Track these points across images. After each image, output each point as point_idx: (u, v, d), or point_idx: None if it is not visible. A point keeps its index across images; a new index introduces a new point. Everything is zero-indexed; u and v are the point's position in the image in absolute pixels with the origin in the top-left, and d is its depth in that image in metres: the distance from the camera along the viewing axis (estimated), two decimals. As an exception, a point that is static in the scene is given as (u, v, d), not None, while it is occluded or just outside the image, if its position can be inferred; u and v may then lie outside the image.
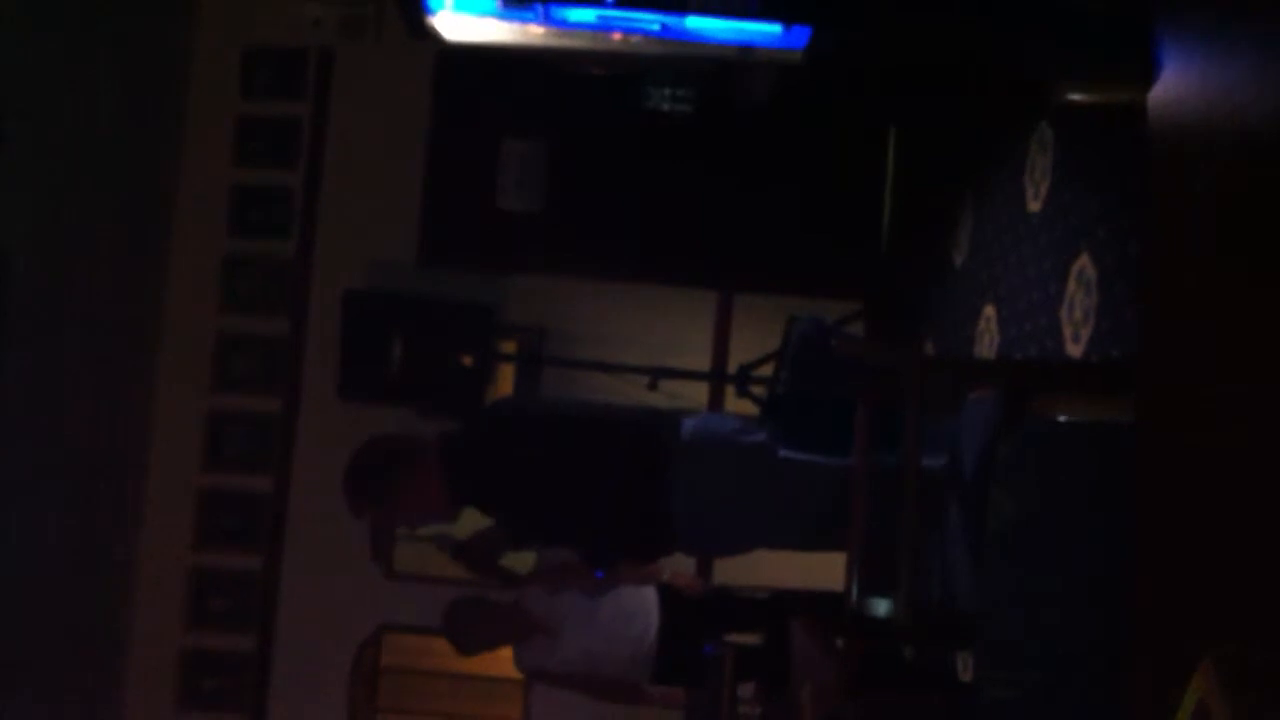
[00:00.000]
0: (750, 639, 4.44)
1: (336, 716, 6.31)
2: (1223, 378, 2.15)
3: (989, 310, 4.17)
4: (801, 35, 3.45)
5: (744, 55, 3.48)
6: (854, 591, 5.10)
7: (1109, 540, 2.79)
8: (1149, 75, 2.63)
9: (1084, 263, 3.41)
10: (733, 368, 5.82)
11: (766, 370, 4.93)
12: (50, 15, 5.26)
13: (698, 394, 5.69)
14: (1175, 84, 2.52)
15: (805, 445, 3.72)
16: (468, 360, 5.65)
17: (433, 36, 4.05)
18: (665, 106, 5.13)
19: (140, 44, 6.08)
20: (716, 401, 5.89)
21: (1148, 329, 2.70)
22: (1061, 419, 3.16)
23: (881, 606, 4.59)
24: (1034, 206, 3.91)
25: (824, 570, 5.21)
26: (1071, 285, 3.50)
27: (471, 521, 4.06)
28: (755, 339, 5.36)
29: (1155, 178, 2.55)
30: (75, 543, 5.81)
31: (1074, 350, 3.38)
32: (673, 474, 3.57)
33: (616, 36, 3.58)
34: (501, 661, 4.90)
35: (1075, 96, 3.25)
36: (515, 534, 4.07)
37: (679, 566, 4.95)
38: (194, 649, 6.38)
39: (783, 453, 3.65)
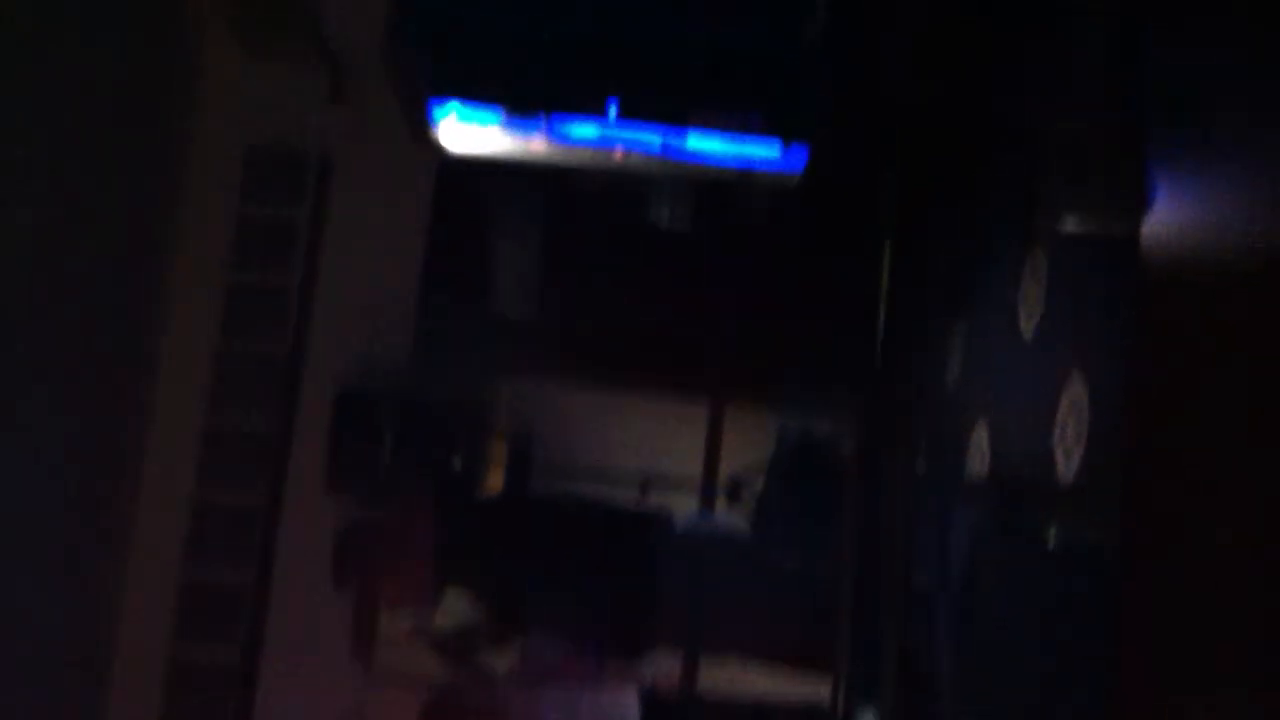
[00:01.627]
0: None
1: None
2: (1212, 507, 2.19)
3: (981, 431, 4.20)
4: (800, 157, 3.53)
5: (743, 177, 3.55)
6: (839, 701, 5.10)
7: (1087, 660, 2.81)
8: (1142, 206, 2.69)
9: (1076, 387, 3.45)
10: (724, 474, 5.85)
11: (757, 478, 4.96)
12: (49, 109, 5.32)
13: (688, 502, 5.70)
14: (1167, 215, 2.58)
15: (793, 553, 3.74)
16: (458, 461, 5.67)
17: (435, 146, 4.13)
18: (663, 225, 5.21)
19: (136, 139, 6.14)
20: (707, 509, 5.90)
21: (1137, 454, 2.73)
22: (1050, 538, 3.19)
23: (868, 717, 4.59)
24: (1026, 329, 3.95)
25: (807, 684, 5.22)
26: (1063, 409, 3.53)
27: (452, 616, 4.06)
28: (748, 449, 5.39)
29: (1148, 309, 2.60)
30: (52, 638, 5.76)
31: (1064, 473, 3.41)
32: (663, 567, 3.59)
33: (618, 154, 3.66)
34: (482, 766, 4.86)
35: (1070, 229, 3.32)
36: (500, 620, 4.07)
37: (661, 670, 4.93)
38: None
39: (771, 556, 3.68)
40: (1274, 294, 1.96)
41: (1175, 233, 2.42)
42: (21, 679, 5.45)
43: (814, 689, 5.04)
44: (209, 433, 6.49)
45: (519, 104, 3.82)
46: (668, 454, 6.03)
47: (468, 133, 3.98)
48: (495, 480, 6.24)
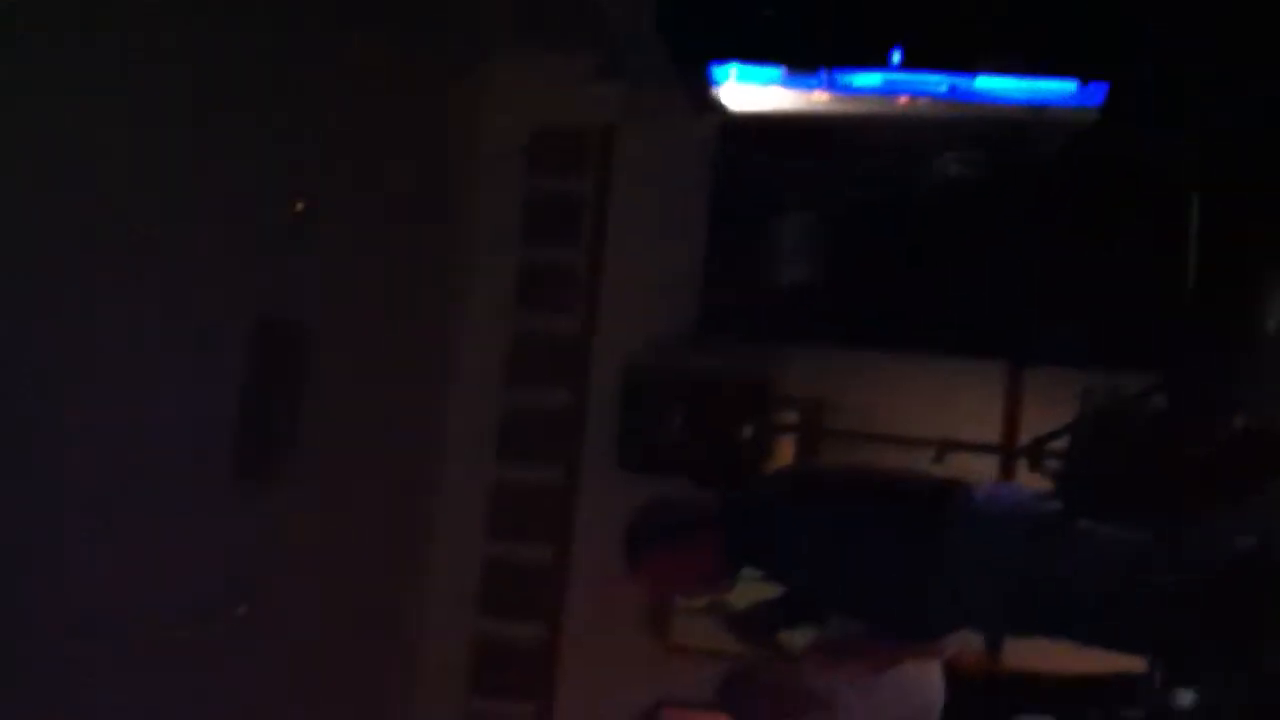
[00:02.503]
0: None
1: (615, 791, 6.31)
2: None
3: (1308, 380, 3.90)
4: (1098, 92, 3.33)
5: (1035, 115, 3.37)
6: (1156, 679, 4.82)
7: None
8: None
9: None
10: (1024, 442, 5.62)
11: (1061, 444, 4.73)
12: (345, 99, 5.50)
13: (987, 469, 5.51)
14: None
15: (1103, 519, 3.53)
16: (748, 432, 5.62)
17: (717, 108, 4.08)
18: (952, 170, 5.02)
19: (431, 123, 6.31)
20: (1007, 477, 5.69)
21: None
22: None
23: (1186, 697, 4.32)
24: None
25: (1121, 657, 4.96)
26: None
27: (749, 593, 4.00)
28: (1049, 412, 5.15)
29: None
30: (363, 612, 5.97)
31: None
32: (961, 542, 3.43)
33: (903, 100, 3.52)
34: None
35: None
36: (800, 602, 3.98)
37: (966, 645, 4.77)
38: (478, 713, 6.47)
39: (1080, 523, 3.46)
40: None
41: None
42: (336, 651, 5.67)
43: (1130, 662, 4.80)
44: (506, 412, 6.64)
45: (799, 60, 3.74)
46: (964, 419, 5.84)
47: (749, 92, 3.91)
48: (785, 451, 6.17)
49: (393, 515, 6.23)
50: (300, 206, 4.93)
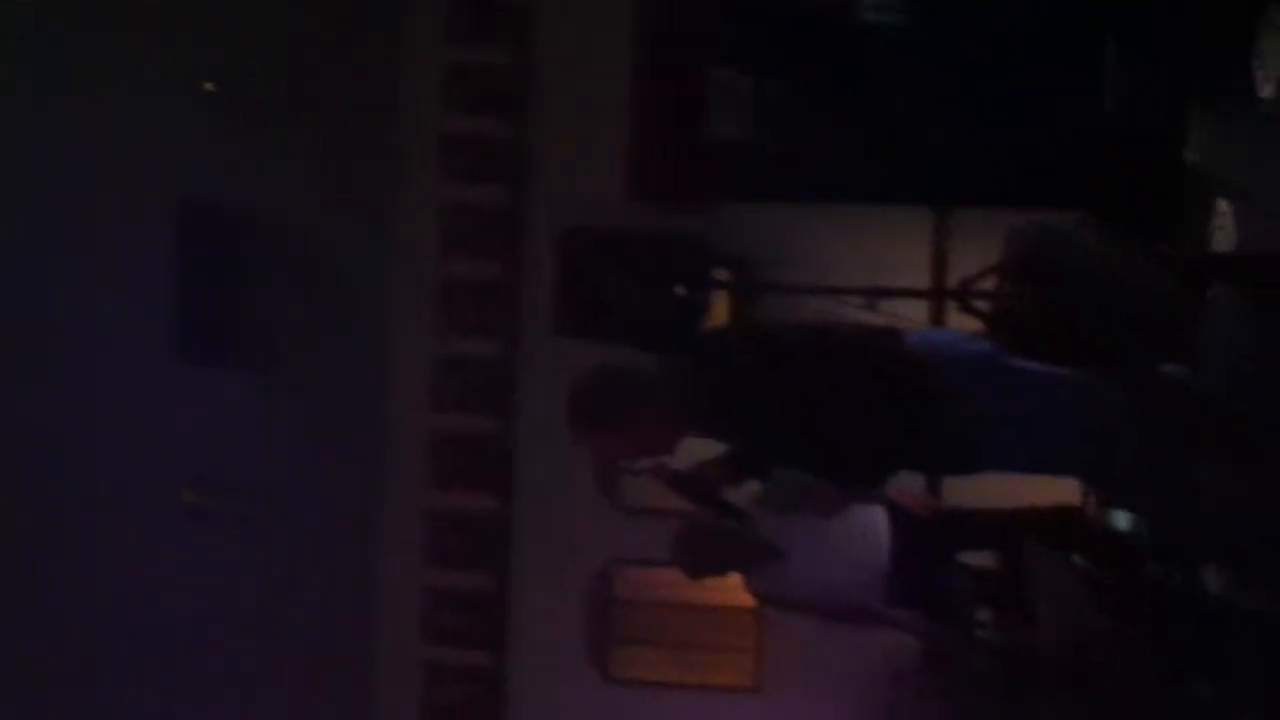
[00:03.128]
0: (984, 561, 4.35)
1: (575, 650, 6.44)
2: None
3: (1224, 206, 3.97)
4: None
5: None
6: (1090, 506, 4.96)
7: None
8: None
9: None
10: (953, 285, 5.68)
11: (989, 284, 4.79)
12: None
13: (917, 314, 5.56)
14: None
15: (1036, 356, 3.59)
16: (682, 290, 5.65)
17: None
18: (875, 18, 5.00)
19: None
20: (938, 321, 5.76)
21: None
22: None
23: (1122, 520, 4.45)
24: (1267, 91, 3.70)
25: (1057, 486, 5.09)
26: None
27: (691, 453, 4.05)
28: (975, 256, 5.21)
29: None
30: (316, 493, 6.02)
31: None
32: (901, 388, 3.47)
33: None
34: (734, 590, 4.90)
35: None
36: (745, 459, 4.02)
37: (906, 486, 4.87)
38: (436, 588, 6.57)
39: (1013, 362, 3.51)
40: None
41: None
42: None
43: (1066, 491, 4.93)
44: (442, 285, 6.63)
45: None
46: (894, 266, 5.89)
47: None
48: (721, 307, 6.21)
49: (339, 397, 6.24)
50: (210, 86, 4.85)
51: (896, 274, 5.72)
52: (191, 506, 5.17)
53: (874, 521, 4.60)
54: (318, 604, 6.03)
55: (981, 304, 4.94)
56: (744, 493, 4.74)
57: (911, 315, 5.28)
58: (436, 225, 6.58)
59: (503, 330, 6.56)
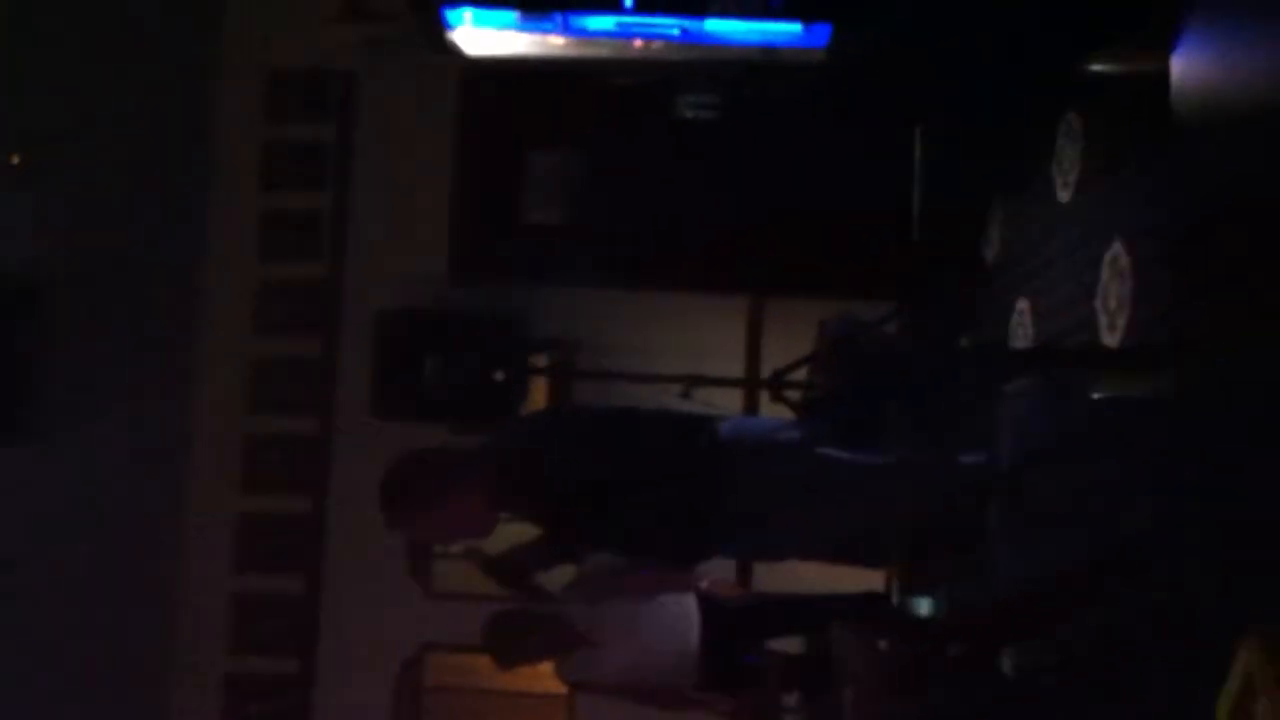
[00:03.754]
0: (792, 646, 4.40)
1: (384, 737, 6.32)
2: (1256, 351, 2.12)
3: (1023, 304, 4.13)
4: (822, 33, 3.44)
5: (766, 56, 3.47)
6: (896, 591, 5.07)
7: (1148, 515, 2.75)
8: (1170, 41, 2.59)
9: (1117, 250, 3.37)
10: (766, 374, 5.79)
11: (801, 374, 4.90)
12: (72, 43, 5.30)
13: (732, 402, 5.65)
14: (1198, 49, 2.46)
15: (842, 444, 3.67)
16: (501, 375, 5.65)
17: (454, 52, 4.05)
18: (690, 114, 5.11)
19: (166, 71, 6.11)
20: (751, 408, 5.85)
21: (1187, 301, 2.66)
22: (1097, 396, 3.11)
23: (924, 605, 4.55)
24: (1064, 196, 3.87)
25: (863, 576, 5.20)
26: (1105, 273, 3.46)
27: (504, 538, 4.03)
28: (788, 344, 5.32)
29: (1184, 145, 2.49)
30: (115, 571, 5.83)
31: (1110, 339, 3.35)
32: (711, 474, 3.53)
33: (637, 44, 3.57)
34: (546, 676, 4.87)
35: (1098, 67, 3.21)
36: (560, 542, 4.02)
37: (718, 574, 4.92)
38: (238, 673, 6.39)
39: (820, 450, 3.60)
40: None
41: (1207, 69, 2.33)
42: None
43: (868, 582, 5.03)
44: (258, 360, 6.52)
45: (532, 3, 3.74)
46: (709, 353, 5.97)
47: (485, 36, 3.90)
48: (539, 392, 6.22)
49: (144, 473, 6.08)
50: (15, 159, 4.73)
51: (713, 362, 5.82)
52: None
53: (686, 608, 4.64)
54: (112, 696, 5.82)
55: (793, 393, 5.05)
56: (556, 578, 4.73)
57: (726, 404, 5.38)
58: (253, 301, 6.49)
59: (317, 409, 6.47)
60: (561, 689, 5.25)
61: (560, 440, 3.66)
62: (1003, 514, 3.52)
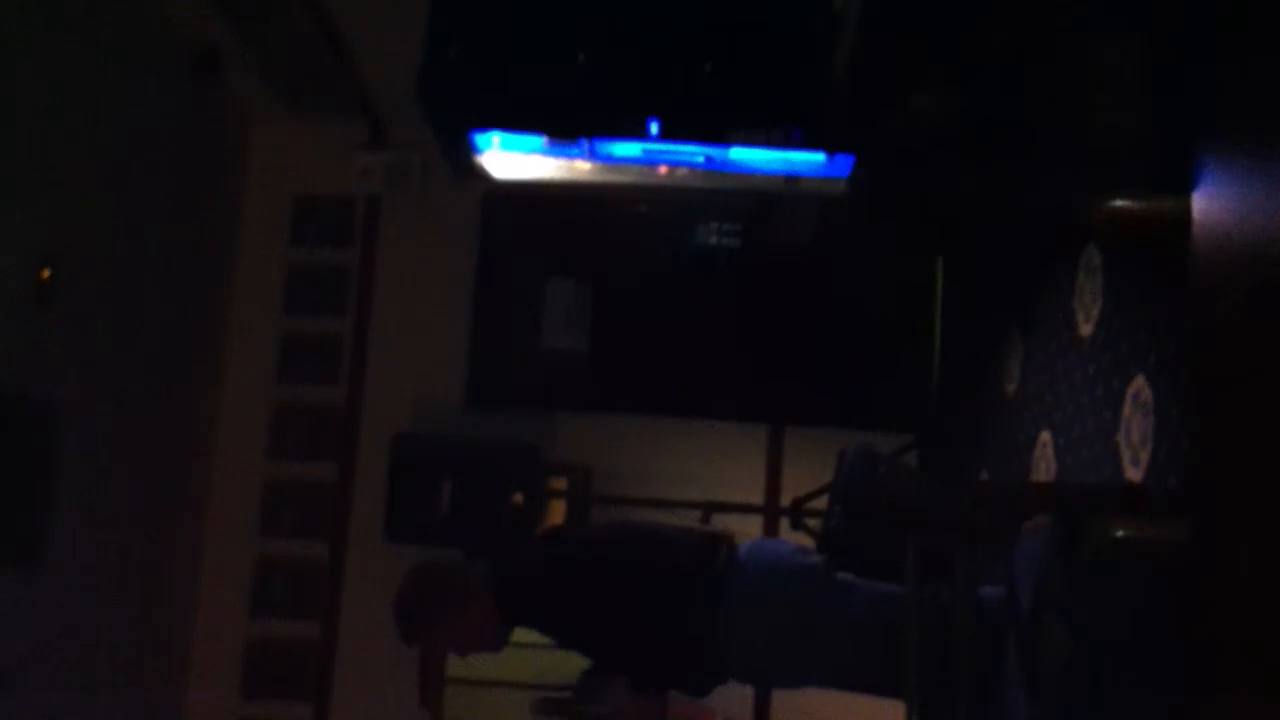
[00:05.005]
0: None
1: None
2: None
3: (1044, 437, 4.10)
4: (845, 164, 3.48)
5: (790, 185, 3.50)
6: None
7: (1167, 669, 2.70)
8: (1189, 184, 2.61)
9: (1139, 385, 3.36)
10: (786, 502, 5.76)
11: (821, 504, 4.87)
12: (103, 166, 5.37)
13: (751, 529, 5.62)
14: (1216, 193, 2.48)
15: (861, 573, 3.63)
16: (518, 499, 5.62)
17: (480, 176, 4.11)
18: (712, 240, 5.15)
19: (192, 195, 6.19)
20: (770, 535, 5.82)
21: (1199, 450, 2.63)
22: (1119, 536, 3.07)
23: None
24: (1085, 331, 3.87)
25: (881, 715, 5.11)
26: (1128, 409, 3.44)
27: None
28: (808, 473, 5.31)
29: (1194, 291, 2.49)
30: (123, 690, 5.76)
31: (1133, 474, 3.31)
32: (726, 595, 3.48)
33: (663, 170, 3.62)
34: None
35: (1118, 204, 3.23)
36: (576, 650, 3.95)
37: (735, 712, 4.85)
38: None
39: (838, 576, 3.55)
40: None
41: (1227, 209, 2.34)
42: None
43: (889, 714, 4.94)
44: (270, 483, 6.51)
45: (560, 129, 3.80)
46: (729, 481, 5.96)
47: (511, 160, 3.96)
48: (556, 518, 6.18)
49: (156, 593, 6.03)
50: (47, 274, 4.77)
51: (731, 490, 5.80)
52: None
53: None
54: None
55: (813, 521, 5.02)
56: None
57: (745, 531, 5.34)
58: (268, 424, 6.50)
59: (330, 532, 6.43)
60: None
61: (565, 558, 3.64)
62: (1019, 658, 3.47)
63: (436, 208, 6.38)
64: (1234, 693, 2.13)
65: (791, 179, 3.50)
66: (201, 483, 6.43)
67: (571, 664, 5.54)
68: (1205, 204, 2.54)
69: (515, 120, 3.86)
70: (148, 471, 5.90)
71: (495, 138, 3.87)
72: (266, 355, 6.53)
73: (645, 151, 3.63)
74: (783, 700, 5.96)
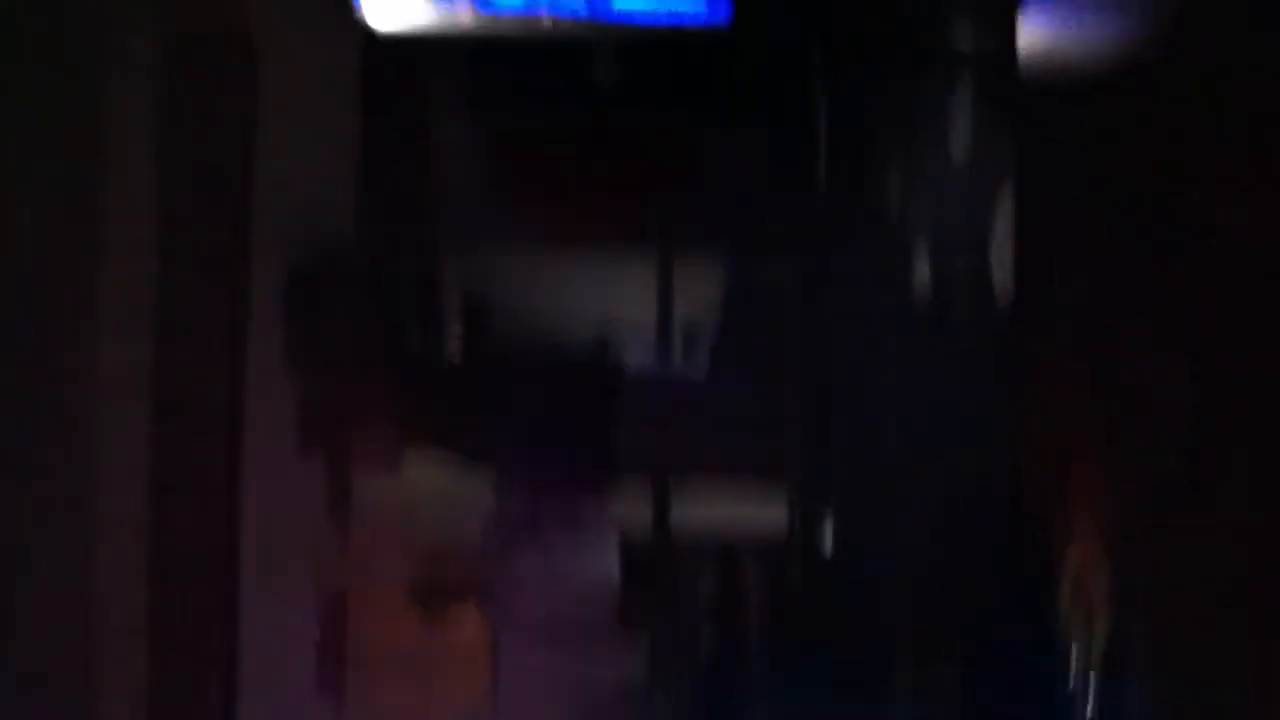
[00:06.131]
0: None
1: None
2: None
3: (921, 258, 4.32)
4: (723, 10, 3.57)
5: (672, 33, 3.58)
6: (796, 520, 5.27)
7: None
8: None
9: (1007, 207, 3.56)
10: (678, 325, 5.94)
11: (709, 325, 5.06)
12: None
13: (645, 356, 5.79)
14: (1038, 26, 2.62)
15: (746, 384, 3.81)
16: (413, 338, 5.73)
17: (360, 25, 4.12)
18: (599, 78, 5.20)
19: (59, 34, 6.08)
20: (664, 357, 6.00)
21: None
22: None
23: (826, 529, 4.76)
24: (958, 156, 4.06)
25: (767, 510, 5.39)
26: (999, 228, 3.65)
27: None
28: (699, 297, 5.47)
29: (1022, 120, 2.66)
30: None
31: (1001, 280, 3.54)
32: (619, 411, 3.64)
33: (546, 20, 3.68)
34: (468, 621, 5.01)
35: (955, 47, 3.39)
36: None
37: (633, 519, 5.08)
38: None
39: (723, 390, 3.71)
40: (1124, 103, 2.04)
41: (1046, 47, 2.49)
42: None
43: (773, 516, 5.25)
44: (163, 322, 6.52)
45: (441, -21, 3.83)
46: (621, 312, 6.11)
47: (393, 8, 3.97)
48: (453, 355, 6.31)
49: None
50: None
51: (624, 319, 5.95)
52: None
53: (603, 552, 4.80)
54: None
55: (701, 346, 5.21)
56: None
57: (638, 359, 5.53)
58: (154, 299, 6.50)
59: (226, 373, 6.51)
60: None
61: (471, 391, 3.79)
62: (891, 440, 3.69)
63: (318, 49, 6.31)
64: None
65: (673, 27, 3.59)
66: (91, 332, 6.43)
67: None
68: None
69: (395, -32, 3.86)
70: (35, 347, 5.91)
71: (376, -15, 3.88)
72: (150, 218, 6.49)
73: (528, 3, 3.69)
74: (680, 507, 6.24)
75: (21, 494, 5.81)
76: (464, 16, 3.83)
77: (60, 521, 6.22)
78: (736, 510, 4.90)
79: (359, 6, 3.90)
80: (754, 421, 4.00)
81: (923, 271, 4.37)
